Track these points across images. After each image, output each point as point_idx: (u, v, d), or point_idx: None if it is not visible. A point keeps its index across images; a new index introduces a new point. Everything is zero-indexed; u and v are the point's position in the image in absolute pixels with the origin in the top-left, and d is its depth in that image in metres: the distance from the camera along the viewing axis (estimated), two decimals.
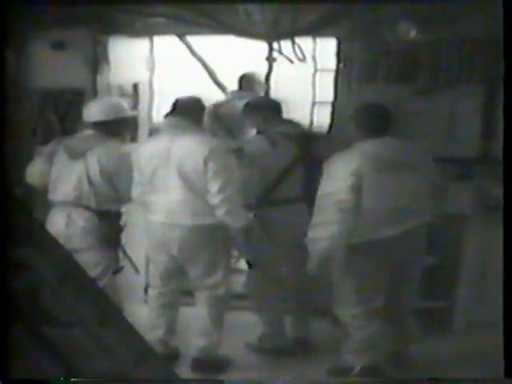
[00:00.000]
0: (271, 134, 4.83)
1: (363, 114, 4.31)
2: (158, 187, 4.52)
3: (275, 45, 5.74)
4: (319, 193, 4.20)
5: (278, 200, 4.78)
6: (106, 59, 5.54)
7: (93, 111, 4.76)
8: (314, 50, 5.99)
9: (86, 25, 5.33)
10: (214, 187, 4.38)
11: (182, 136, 4.50)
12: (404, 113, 5.42)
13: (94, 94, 5.50)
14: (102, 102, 4.91)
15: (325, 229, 4.12)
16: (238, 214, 4.44)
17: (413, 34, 5.06)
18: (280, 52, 5.76)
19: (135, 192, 4.65)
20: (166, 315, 4.84)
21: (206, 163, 4.38)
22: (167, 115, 4.68)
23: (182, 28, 5.74)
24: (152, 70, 6.49)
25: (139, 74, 6.16)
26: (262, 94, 6.14)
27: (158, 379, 4.65)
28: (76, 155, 4.69)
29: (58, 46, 5.32)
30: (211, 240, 4.56)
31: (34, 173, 4.83)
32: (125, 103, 5.00)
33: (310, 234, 4.23)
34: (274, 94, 6.13)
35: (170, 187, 4.47)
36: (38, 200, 4.95)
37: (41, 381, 2.57)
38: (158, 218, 4.57)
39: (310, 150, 4.88)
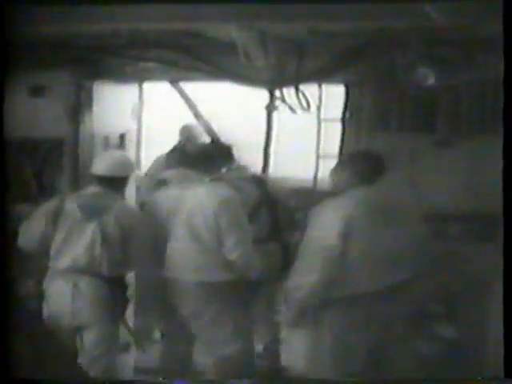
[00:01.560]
0: (231, 179, 4.93)
1: (358, 161, 4.34)
2: (167, 241, 4.53)
3: (277, 92, 5.64)
4: (305, 238, 4.17)
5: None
6: (89, 106, 5.38)
7: (104, 165, 4.64)
8: (320, 97, 5.86)
9: (68, 68, 5.18)
10: (229, 241, 4.42)
11: (190, 188, 4.54)
12: (420, 165, 5.31)
13: (75, 144, 5.31)
14: (113, 157, 4.83)
15: (307, 276, 4.06)
16: (256, 267, 4.50)
17: (431, 80, 4.91)
18: (282, 100, 5.64)
19: (149, 248, 4.58)
20: None
21: (216, 217, 4.42)
22: (174, 167, 4.69)
23: (176, 73, 5.64)
24: (140, 119, 6.38)
25: (126, 124, 6.01)
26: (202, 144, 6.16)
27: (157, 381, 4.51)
28: (91, 215, 4.50)
29: (37, 90, 5.15)
30: (214, 298, 4.48)
31: (33, 236, 4.54)
32: (131, 159, 4.98)
33: (291, 282, 4.16)
34: (274, 145, 6.01)
35: (177, 241, 4.49)
36: (32, 268, 4.68)
37: (41, 381, 2.57)
38: (166, 274, 4.54)
39: (269, 192, 5.11)
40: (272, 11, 4.44)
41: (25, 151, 5.24)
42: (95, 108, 5.45)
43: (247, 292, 4.65)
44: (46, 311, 4.42)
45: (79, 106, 5.36)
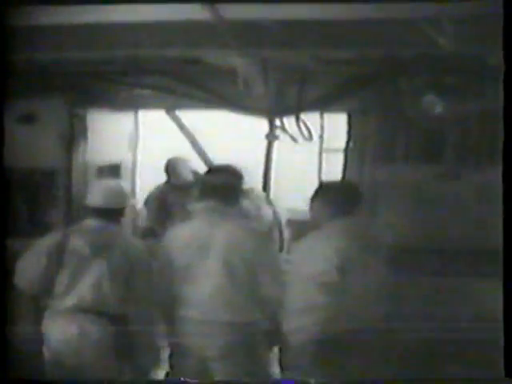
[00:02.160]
0: (250, 206, 5.06)
1: (335, 191, 4.40)
2: (193, 279, 4.33)
3: (277, 121, 5.55)
4: (299, 275, 4.15)
5: None
6: (83, 135, 5.28)
7: (99, 196, 4.54)
8: (322, 126, 5.79)
9: (60, 95, 5.10)
10: (266, 278, 4.29)
11: (223, 222, 4.37)
12: (426, 197, 5.22)
13: (68, 175, 5.21)
14: (108, 187, 4.71)
15: (310, 315, 4.04)
16: None
17: (438, 108, 4.84)
18: (283, 129, 5.55)
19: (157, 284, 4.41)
20: None
21: (256, 253, 4.31)
22: (201, 199, 4.48)
23: (172, 101, 5.56)
24: (135, 148, 6.30)
25: (121, 153, 5.92)
26: (188, 178, 6.09)
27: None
28: (97, 251, 4.38)
29: (28, 118, 5.05)
30: (244, 338, 4.31)
31: (32, 275, 4.38)
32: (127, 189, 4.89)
33: (293, 323, 4.10)
34: (274, 176, 5.93)
35: (209, 279, 4.30)
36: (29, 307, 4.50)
37: (41, 381, 2.60)
38: (189, 313, 4.32)
39: (277, 214, 5.28)
40: (273, 37, 4.38)
41: (15, 182, 5.12)
42: (89, 137, 5.36)
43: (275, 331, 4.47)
44: (47, 353, 4.27)
45: (72, 134, 5.27)
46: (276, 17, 4.21)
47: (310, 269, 4.11)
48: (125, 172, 5.99)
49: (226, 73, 4.82)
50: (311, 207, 4.47)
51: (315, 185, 6.01)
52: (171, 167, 6.26)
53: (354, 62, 4.78)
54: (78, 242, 4.39)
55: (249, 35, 4.33)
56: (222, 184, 4.53)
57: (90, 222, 4.49)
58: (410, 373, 4.44)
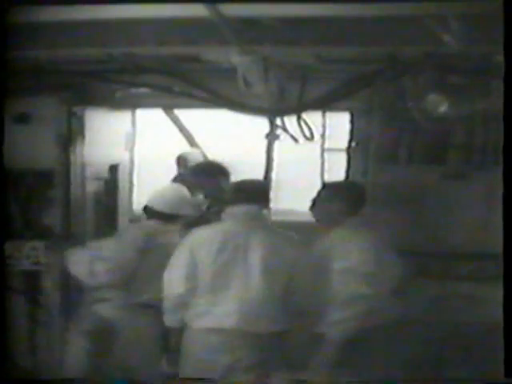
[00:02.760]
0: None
1: (345, 192, 4.53)
2: (223, 286, 4.25)
3: (278, 120, 5.52)
4: (333, 269, 4.24)
5: None
6: (80, 135, 5.24)
7: (165, 201, 4.81)
8: (324, 126, 5.76)
9: (57, 94, 5.04)
10: (307, 287, 4.29)
11: (260, 229, 4.34)
12: (430, 199, 5.21)
13: (66, 176, 5.17)
14: (179, 195, 4.96)
15: (353, 306, 4.14)
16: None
17: (443, 108, 4.81)
18: (284, 129, 5.51)
19: (177, 290, 4.33)
20: None
21: (295, 264, 4.30)
22: (236, 202, 4.44)
23: (170, 100, 5.49)
24: (133, 148, 6.28)
25: (119, 153, 5.89)
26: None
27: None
28: (165, 250, 4.51)
29: (22, 119, 5.01)
30: (280, 347, 4.32)
31: (123, 262, 4.60)
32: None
33: (335, 315, 4.17)
34: (275, 176, 5.92)
35: (245, 286, 4.23)
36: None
37: (41, 381, 2.73)
38: (217, 323, 4.23)
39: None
40: (274, 35, 4.35)
41: (9, 184, 5.10)
42: (86, 136, 5.33)
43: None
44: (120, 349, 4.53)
45: (69, 134, 5.23)
46: (277, 14, 4.18)
47: (345, 262, 4.22)
48: (122, 171, 5.97)
49: (225, 71, 4.78)
50: (314, 207, 4.46)
51: (317, 185, 6.05)
52: (183, 161, 6.28)
53: (356, 60, 4.75)
54: (159, 242, 4.65)
55: (249, 33, 4.29)
56: (258, 188, 4.55)
57: (152, 223, 4.76)
58: (412, 373, 4.45)
